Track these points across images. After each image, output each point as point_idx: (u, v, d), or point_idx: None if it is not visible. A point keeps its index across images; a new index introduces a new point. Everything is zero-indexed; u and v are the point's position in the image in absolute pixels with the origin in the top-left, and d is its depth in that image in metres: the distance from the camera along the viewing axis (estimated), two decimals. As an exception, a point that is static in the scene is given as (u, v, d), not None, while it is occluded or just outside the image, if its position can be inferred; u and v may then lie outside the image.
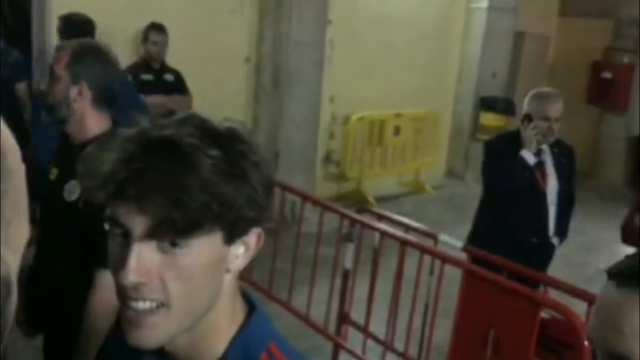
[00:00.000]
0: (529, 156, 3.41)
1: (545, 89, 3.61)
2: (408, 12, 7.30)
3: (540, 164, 3.48)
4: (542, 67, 9.24)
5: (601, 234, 6.29)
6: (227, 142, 0.86)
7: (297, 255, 4.14)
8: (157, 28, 5.07)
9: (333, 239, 4.01)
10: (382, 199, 7.13)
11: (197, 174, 0.81)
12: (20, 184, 0.46)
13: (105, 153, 0.82)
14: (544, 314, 2.81)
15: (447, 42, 8.03)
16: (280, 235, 4.39)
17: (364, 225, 3.74)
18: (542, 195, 3.49)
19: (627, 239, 3.53)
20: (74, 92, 1.98)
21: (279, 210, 4.60)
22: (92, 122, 2.00)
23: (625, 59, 8.98)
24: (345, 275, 3.88)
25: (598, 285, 0.77)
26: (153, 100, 5.03)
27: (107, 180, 0.81)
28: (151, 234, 0.82)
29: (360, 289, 3.85)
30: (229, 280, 0.92)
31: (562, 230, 3.58)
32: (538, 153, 3.47)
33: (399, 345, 3.59)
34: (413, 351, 3.54)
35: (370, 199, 6.94)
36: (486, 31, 8.05)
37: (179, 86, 5.22)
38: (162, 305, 0.84)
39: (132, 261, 0.82)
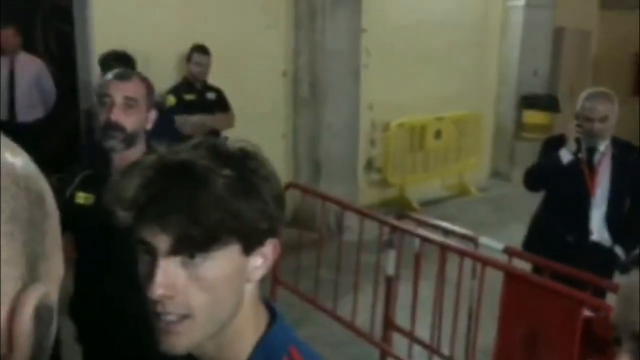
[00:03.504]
0: (565, 155, 3.39)
1: (598, 88, 3.53)
2: (442, 16, 7.29)
3: (590, 164, 3.44)
4: (584, 62, 9.08)
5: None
6: (238, 161, 0.94)
7: (340, 264, 4.19)
8: (201, 49, 5.21)
9: (376, 246, 4.05)
10: (426, 204, 7.12)
11: (211, 193, 0.89)
12: (56, 223, 0.53)
13: (128, 180, 0.92)
14: (588, 313, 2.79)
15: (485, 42, 7.98)
16: (323, 246, 4.46)
17: (404, 232, 3.77)
18: (586, 195, 3.45)
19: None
20: (149, 119, 2.14)
21: (321, 221, 4.67)
22: (140, 146, 2.12)
23: (670, 48, 8.75)
24: (389, 281, 3.91)
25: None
26: (196, 119, 5.16)
27: (130, 205, 0.90)
28: (173, 250, 0.91)
29: (404, 295, 3.88)
30: (250, 290, 0.99)
31: (628, 240, 3.50)
32: (590, 152, 3.43)
33: (445, 349, 3.60)
34: (459, 355, 3.54)
35: (414, 204, 6.94)
36: (524, 29, 7.97)
37: (221, 104, 5.34)
38: (187, 316, 0.93)
39: (159, 276, 0.91)
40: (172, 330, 0.93)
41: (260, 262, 0.98)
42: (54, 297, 0.52)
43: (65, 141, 6.52)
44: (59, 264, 0.54)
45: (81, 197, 2.17)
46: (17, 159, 0.50)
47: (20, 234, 0.48)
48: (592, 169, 3.45)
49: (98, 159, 2.26)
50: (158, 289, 0.90)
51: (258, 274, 0.99)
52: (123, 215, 0.91)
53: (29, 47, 6.11)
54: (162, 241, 0.90)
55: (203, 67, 5.23)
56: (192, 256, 0.91)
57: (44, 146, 5.91)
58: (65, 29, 5.83)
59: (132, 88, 2.11)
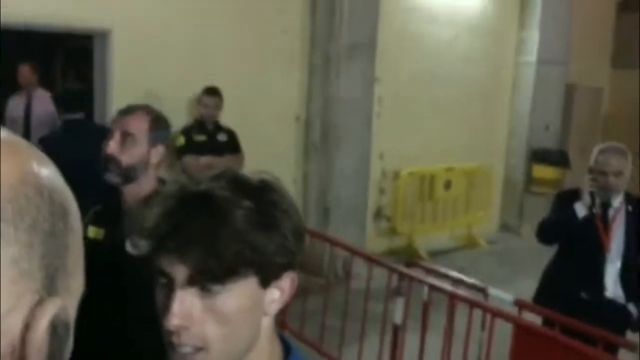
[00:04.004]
0: (580, 209, 3.36)
1: (612, 143, 3.53)
2: (455, 69, 7.38)
3: (605, 219, 3.42)
4: (595, 119, 9.13)
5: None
6: (259, 193, 0.93)
7: (347, 311, 4.14)
8: (209, 92, 5.27)
9: (383, 295, 4.01)
10: (435, 254, 7.07)
11: (230, 225, 0.88)
12: (79, 241, 0.52)
13: (149, 210, 0.91)
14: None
15: (496, 96, 8.06)
16: (330, 292, 4.41)
17: (413, 279, 3.73)
18: (600, 251, 3.41)
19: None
20: (153, 154, 2.12)
21: (328, 266, 4.64)
22: (148, 181, 2.12)
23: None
24: (395, 330, 3.85)
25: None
26: (205, 160, 5.19)
27: (150, 234, 0.89)
28: (191, 281, 0.90)
29: (411, 344, 3.81)
30: (266, 323, 0.98)
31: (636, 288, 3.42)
32: (604, 207, 3.40)
33: (452, 402, 3.52)
34: (466, 409, 3.45)
35: (422, 254, 6.89)
36: (536, 84, 8.04)
37: (231, 146, 5.37)
38: (201, 349, 0.91)
39: (175, 306, 0.90)
40: None
41: (277, 295, 0.96)
42: (72, 312, 0.50)
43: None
44: (80, 279, 0.52)
45: (92, 232, 2.16)
46: (43, 169, 0.49)
47: (39, 246, 0.47)
48: (607, 225, 3.41)
49: (108, 194, 2.27)
50: (174, 319, 0.89)
51: (275, 307, 0.97)
52: (142, 244, 0.90)
53: (47, 85, 6.22)
54: (180, 271, 0.89)
55: (211, 109, 5.26)
56: (209, 288, 0.90)
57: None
58: (84, 68, 5.94)
59: (130, 122, 2.11)
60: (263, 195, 0.93)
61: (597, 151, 3.41)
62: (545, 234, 3.56)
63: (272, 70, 5.96)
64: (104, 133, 2.31)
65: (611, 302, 3.39)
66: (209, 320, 0.91)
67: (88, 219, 2.19)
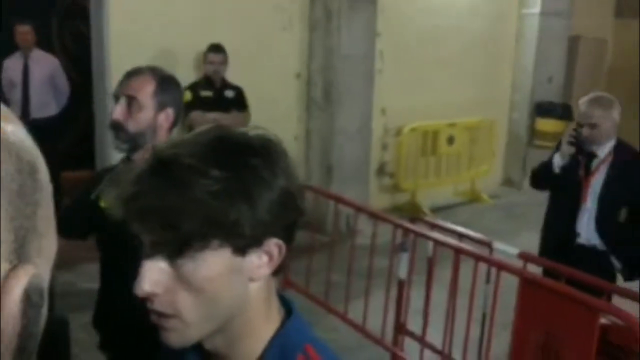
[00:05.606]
0: (557, 160, 3.46)
1: (597, 93, 3.55)
2: (457, 22, 7.27)
3: (588, 169, 3.44)
4: (599, 71, 9.04)
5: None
6: (237, 157, 0.87)
7: (352, 267, 4.16)
8: (214, 48, 5.25)
9: (387, 250, 4.02)
10: (438, 209, 7.08)
11: (187, 196, 0.83)
12: (49, 199, 0.49)
13: (129, 173, 0.88)
14: (604, 320, 2.75)
15: (499, 49, 7.95)
16: (335, 248, 4.43)
17: (417, 234, 3.74)
18: (578, 199, 3.45)
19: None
20: (161, 119, 2.01)
21: (333, 223, 4.65)
22: None
23: (688, 58, 8.67)
24: (400, 285, 3.88)
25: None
26: (210, 117, 5.17)
27: (117, 200, 0.86)
28: (153, 251, 0.87)
29: (416, 299, 3.84)
30: (256, 288, 0.93)
31: (626, 249, 3.45)
32: (589, 157, 3.41)
33: (457, 355, 3.56)
34: (471, 361, 3.50)
35: (425, 210, 6.90)
36: (539, 36, 7.93)
37: (238, 102, 5.35)
38: (174, 316, 0.89)
39: (143, 272, 0.87)
40: (163, 327, 0.90)
41: (264, 260, 0.91)
42: (45, 278, 0.47)
43: (78, 140, 6.55)
44: (53, 241, 0.49)
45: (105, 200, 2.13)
46: (8, 125, 0.45)
47: (7, 206, 0.43)
48: (588, 174, 3.44)
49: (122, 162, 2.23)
50: (142, 286, 0.87)
51: (261, 272, 0.91)
52: (116, 210, 0.86)
53: (45, 45, 6.14)
54: (145, 239, 0.87)
55: (216, 66, 5.24)
56: (172, 258, 0.87)
57: (57, 144, 5.93)
58: (81, 27, 5.85)
59: (135, 86, 1.99)
60: (243, 159, 0.87)
61: (581, 102, 3.44)
62: (532, 181, 3.75)
63: (272, 27, 5.87)
64: None
65: (584, 248, 3.44)
66: (179, 288, 0.87)
67: (101, 187, 2.15)
